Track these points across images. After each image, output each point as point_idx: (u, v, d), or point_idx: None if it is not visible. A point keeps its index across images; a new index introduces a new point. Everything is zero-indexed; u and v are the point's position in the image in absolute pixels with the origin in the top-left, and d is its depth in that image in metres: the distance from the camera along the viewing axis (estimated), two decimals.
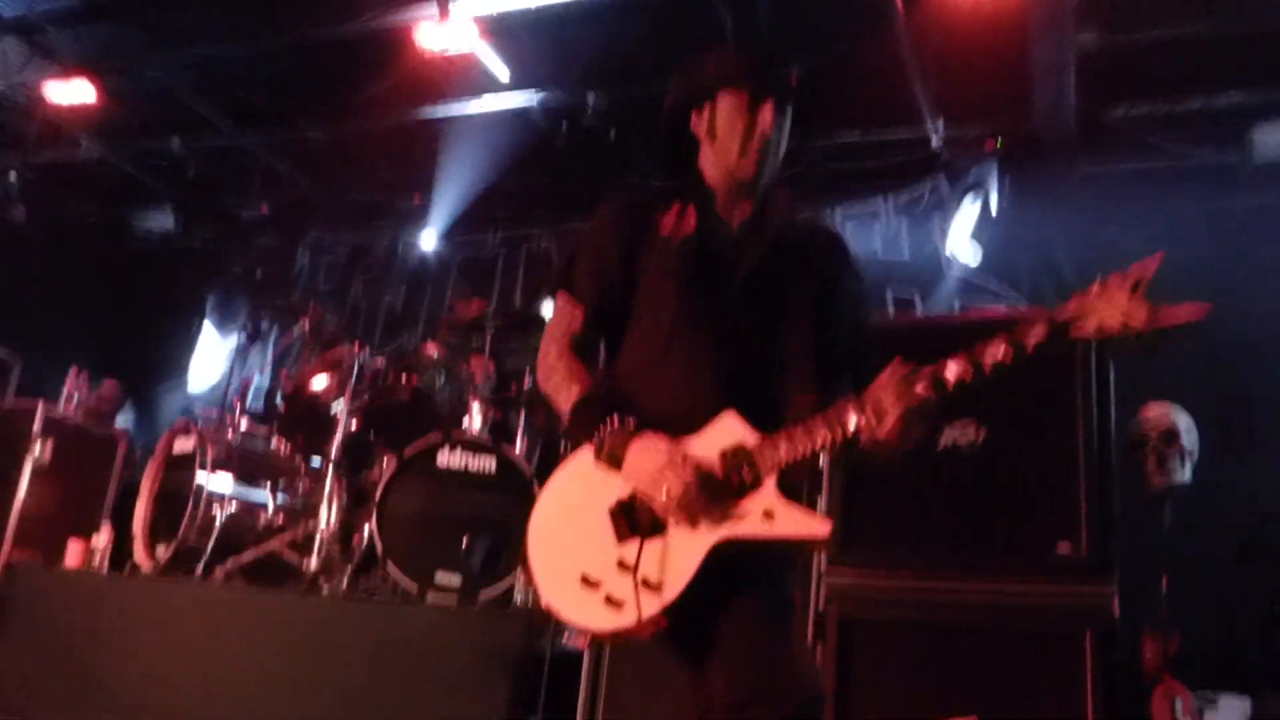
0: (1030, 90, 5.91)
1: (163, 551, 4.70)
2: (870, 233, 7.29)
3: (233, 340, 8.47)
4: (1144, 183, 6.57)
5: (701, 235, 2.19)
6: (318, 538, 4.66)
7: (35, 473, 5.10)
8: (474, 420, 4.93)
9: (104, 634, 4.21)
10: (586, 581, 1.96)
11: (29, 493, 5.04)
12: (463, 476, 4.41)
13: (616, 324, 2.24)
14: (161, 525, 4.88)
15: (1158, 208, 6.48)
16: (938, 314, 4.40)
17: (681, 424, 2.02)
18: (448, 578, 4.22)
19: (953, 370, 1.85)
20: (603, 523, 2.01)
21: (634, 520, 1.98)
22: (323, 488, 4.79)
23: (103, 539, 4.92)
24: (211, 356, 8.78)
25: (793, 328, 2.15)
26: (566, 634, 1.98)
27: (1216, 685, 4.08)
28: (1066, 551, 3.07)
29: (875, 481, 3.28)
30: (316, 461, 5.16)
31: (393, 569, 4.26)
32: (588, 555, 1.99)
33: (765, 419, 2.00)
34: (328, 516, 4.70)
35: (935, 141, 6.66)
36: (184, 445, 4.93)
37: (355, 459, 5.04)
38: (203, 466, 4.72)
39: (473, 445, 4.50)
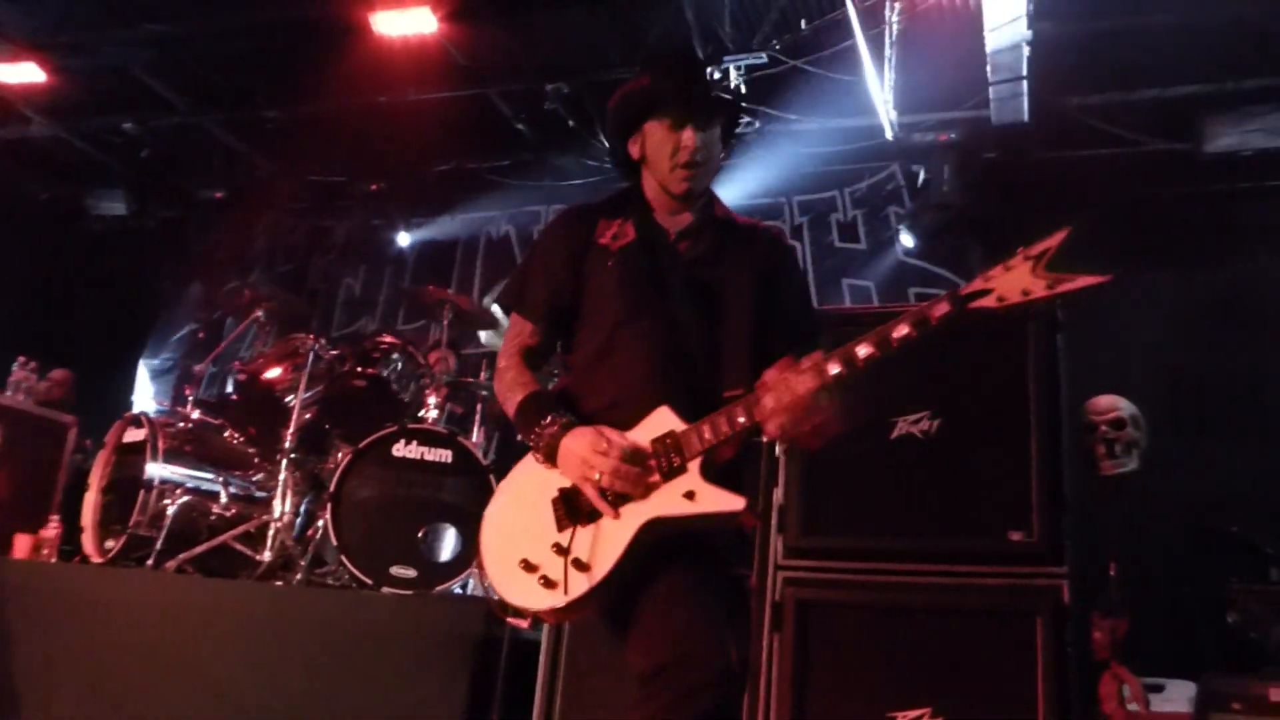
0: (984, 79, 5.96)
1: (113, 543, 4.63)
2: (827, 223, 7.33)
3: (186, 326, 8.35)
4: (1098, 170, 6.67)
5: (640, 242, 2.32)
6: (272, 529, 4.61)
7: None
8: (430, 411, 4.90)
9: (54, 625, 4.14)
10: (527, 565, 2.10)
11: None
12: (419, 466, 4.38)
13: (567, 332, 2.39)
14: (112, 516, 4.79)
15: (1111, 194, 6.58)
16: (895, 304, 4.45)
17: (622, 419, 2.15)
18: (403, 571, 4.20)
19: (863, 349, 1.96)
20: (546, 512, 2.15)
21: (572, 508, 2.12)
22: (276, 479, 4.73)
23: (51, 530, 4.84)
24: (164, 343, 8.65)
25: (730, 323, 2.26)
26: (508, 614, 2.13)
27: (1165, 668, 4.17)
28: (1019, 539, 3.11)
29: (832, 471, 3.31)
30: (269, 452, 5.09)
31: (347, 563, 4.23)
32: (529, 542, 2.13)
33: (698, 410, 2.11)
34: (281, 508, 4.65)
35: (890, 131, 6.69)
36: (135, 435, 4.85)
37: (311, 450, 4.98)
38: (154, 457, 4.65)
39: (429, 437, 4.47)
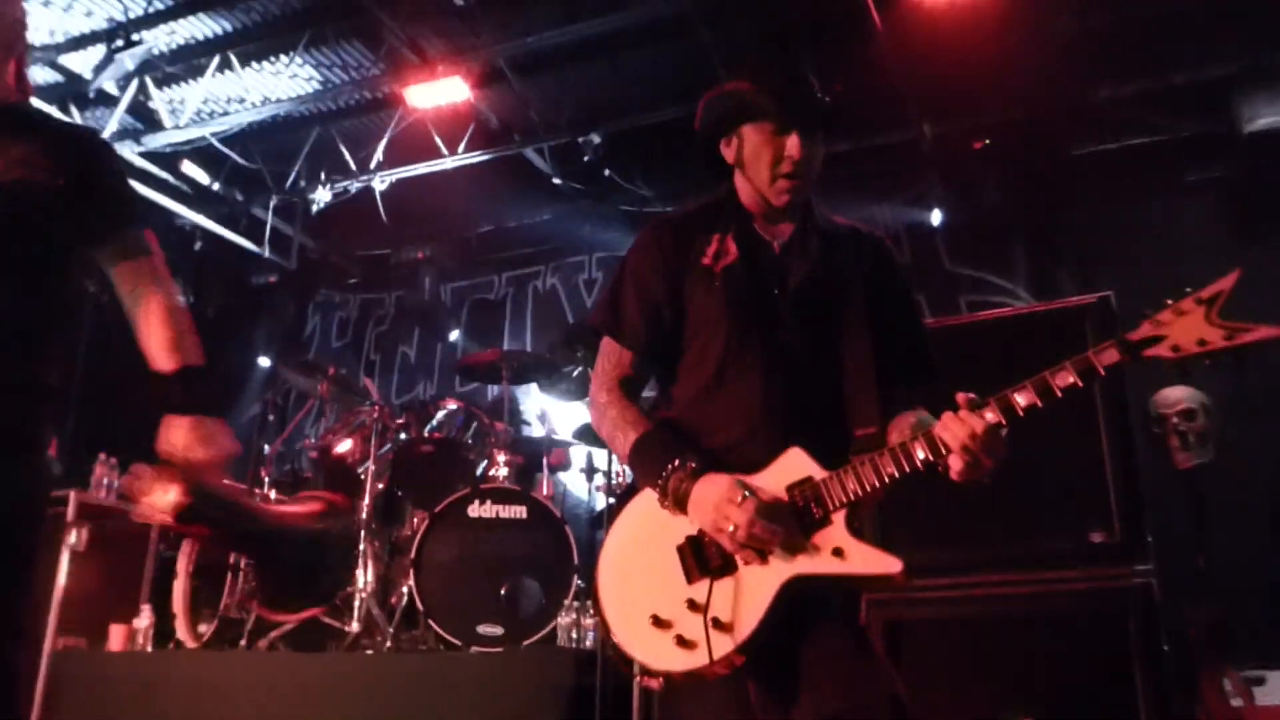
0: (1014, 81, 5.97)
1: (205, 627, 4.74)
2: None
3: (254, 409, 8.53)
4: (1137, 160, 6.62)
5: (745, 260, 2.14)
6: (357, 599, 4.68)
7: (72, 560, 5.14)
8: (499, 469, 4.97)
9: (155, 711, 4.23)
10: (658, 621, 1.96)
11: (69, 580, 5.08)
12: (495, 525, 4.44)
13: (666, 358, 2.20)
14: (201, 601, 4.91)
15: (1155, 183, 6.53)
16: (955, 317, 4.44)
17: (743, 456, 2.00)
18: (490, 629, 4.25)
19: (1024, 398, 1.83)
20: (671, 562, 2.00)
21: (702, 559, 1.98)
22: (357, 549, 4.82)
23: (144, 620, 4.96)
24: (233, 427, 8.83)
25: (848, 345, 2.10)
26: (638, 673, 1.96)
27: (1265, 660, 4.08)
28: (1101, 539, 3.09)
29: (903, 489, 3.30)
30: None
31: (435, 626, 4.28)
32: (657, 595, 1.98)
33: (828, 448, 1.97)
34: (365, 577, 4.73)
35: (925, 142, 6.71)
36: None
37: (385, 517, 5.06)
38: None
39: (502, 495, 4.53)
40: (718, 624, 1.89)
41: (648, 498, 2.08)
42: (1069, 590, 3.12)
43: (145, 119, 7.33)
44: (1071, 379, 1.80)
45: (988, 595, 3.20)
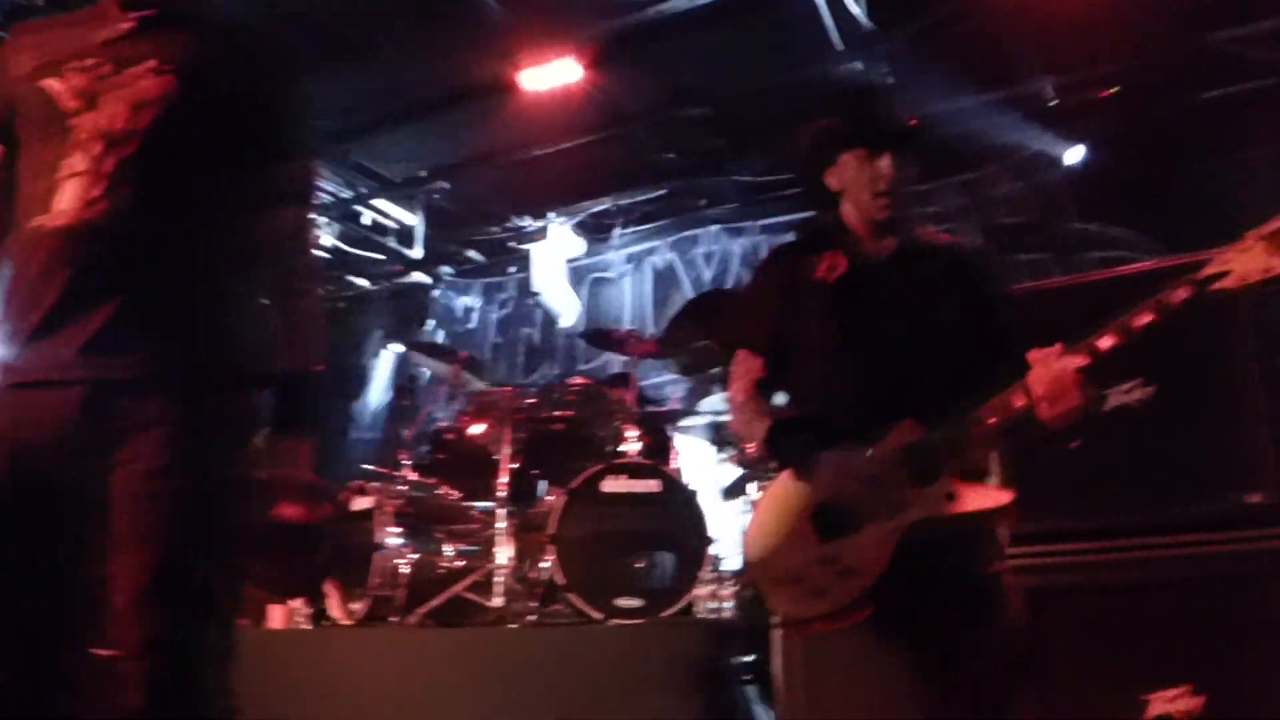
0: (1134, 28, 5.73)
1: (357, 606, 4.94)
2: (991, 203, 7.15)
3: (386, 397, 8.80)
4: (1266, 104, 6.28)
5: (853, 273, 2.48)
6: (498, 576, 4.82)
7: None
8: (630, 444, 5.04)
9: (317, 685, 4.44)
10: (794, 578, 2.30)
11: None
12: (629, 499, 4.52)
13: (789, 361, 2.56)
14: (350, 580, 5.12)
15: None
16: (1082, 275, 4.30)
17: (859, 437, 2.30)
18: (628, 601, 4.33)
19: (1106, 340, 2.06)
20: (805, 527, 2.32)
21: (830, 522, 2.28)
22: (495, 527, 4.96)
23: (300, 600, 5.20)
24: (370, 413, 9.13)
25: (941, 347, 2.39)
26: (779, 624, 2.67)
27: None
28: (1258, 500, 2.99)
29: (1046, 452, 3.24)
30: (484, 502, 5.33)
31: (574, 598, 4.39)
32: (795, 555, 2.32)
33: (931, 423, 2.25)
34: (503, 555, 4.86)
35: (1046, 96, 6.50)
36: (362, 502, 5.17)
37: (522, 496, 5.19)
38: (382, 522, 4.94)
39: (635, 469, 4.60)
40: (844, 575, 2.20)
41: (780, 481, 2.44)
42: (1223, 554, 3.01)
43: None
44: (1149, 317, 2.01)
45: (1136, 559, 3.12)
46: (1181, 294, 2.01)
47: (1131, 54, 6.14)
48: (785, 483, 2.40)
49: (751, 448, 2.78)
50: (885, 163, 2.40)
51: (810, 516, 2.31)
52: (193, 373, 1.94)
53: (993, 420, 2.16)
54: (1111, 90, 6.42)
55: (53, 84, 1.97)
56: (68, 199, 1.89)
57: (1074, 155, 6.81)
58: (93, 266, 1.89)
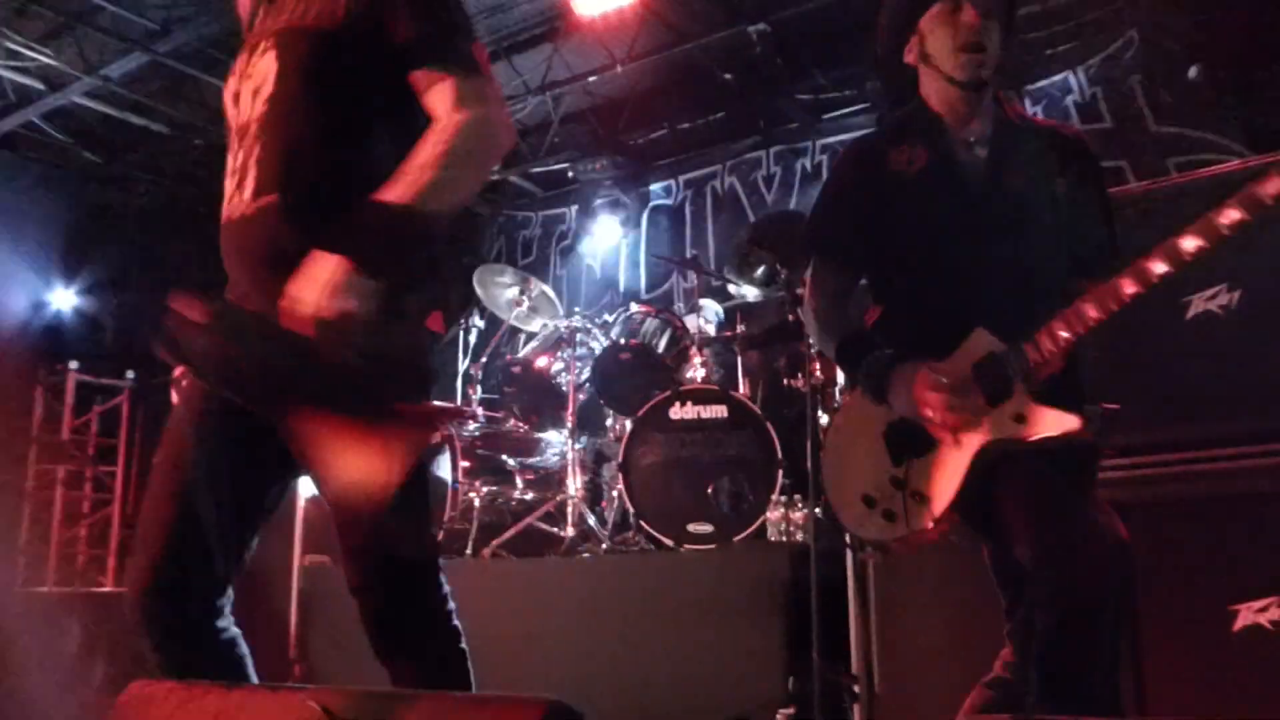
0: None
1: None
2: (1063, 107, 6.90)
3: (454, 331, 8.85)
4: None
5: (936, 161, 2.25)
6: (569, 506, 4.86)
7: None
8: (696, 371, 5.01)
9: None
10: (868, 500, 2.20)
11: (306, 502, 5.47)
12: (698, 426, 4.51)
13: (871, 265, 2.40)
14: None
15: None
16: (1163, 179, 4.12)
17: (938, 346, 2.14)
18: (700, 527, 4.34)
19: (1190, 242, 1.86)
20: (878, 447, 2.22)
21: (903, 442, 2.17)
22: (565, 458, 4.99)
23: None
24: (437, 350, 9.20)
25: (1037, 239, 2.18)
26: (854, 546, 2.59)
27: None
28: None
29: (1131, 362, 3.14)
30: (553, 435, 5.36)
31: (646, 527, 4.41)
32: (868, 477, 2.22)
33: (1016, 332, 2.06)
34: (575, 485, 4.90)
35: None
36: (433, 439, 5.23)
37: (591, 425, 5.21)
38: (454, 456, 5.01)
39: (702, 395, 4.58)
40: (916, 496, 2.11)
41: (855, 396, 2.32)
42: None
43: None
44: (1237, 214, 1.82)
45: (1221, 471, 3.00)
46: (1273, 186, 1.77)
47: None
48: (860, 401, 2.27)
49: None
50: (968, 13, 2.17)
51: (883, 436, 2.21)
52: None
53: (1065, 335, 1.98)
54: None
55: None
56: None
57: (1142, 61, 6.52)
58: None
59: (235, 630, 1.96)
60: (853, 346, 2.28)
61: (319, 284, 1.68)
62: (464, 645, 2.01)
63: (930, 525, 2.08)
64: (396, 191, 1.75)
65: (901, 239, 2.29)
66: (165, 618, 1.85)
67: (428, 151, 1.80)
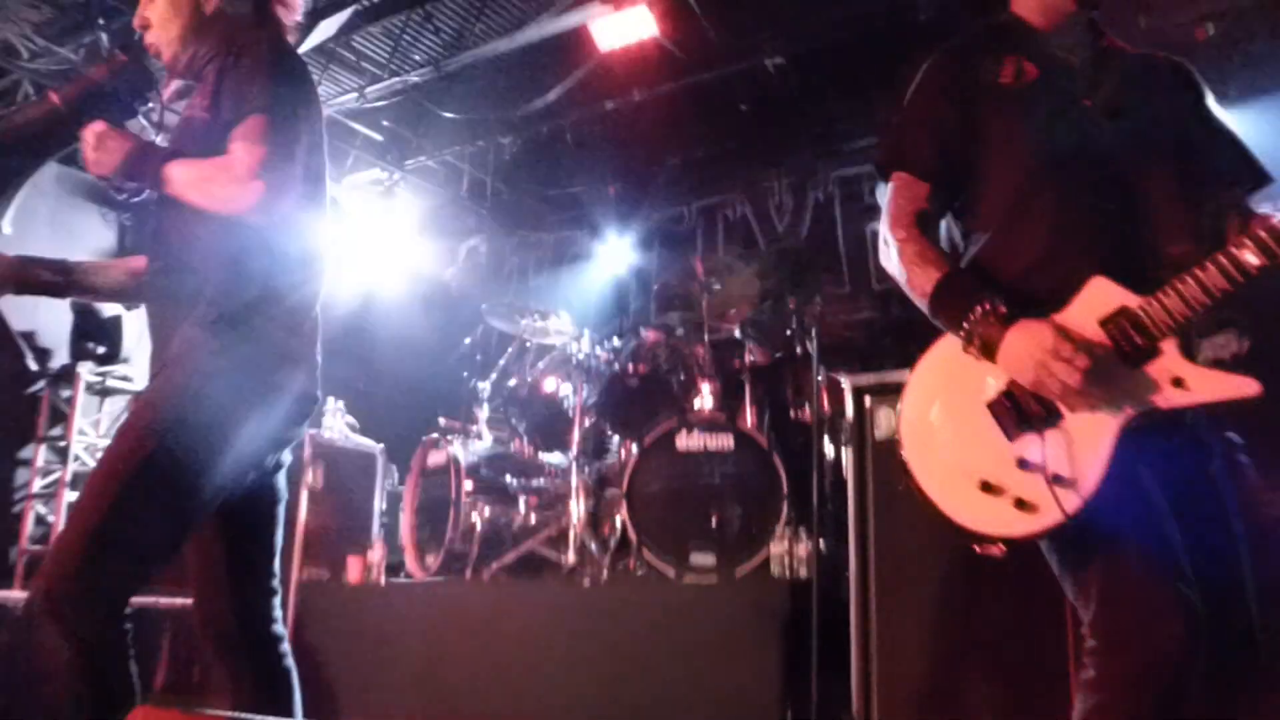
0: None
1: (432, 560, 5.01)
2: None
3: (460, 349, 8.84)
4: None
5: (1049, 76, 2.00)
6: (571, 531, 4.84)
7: (311, 497, 5.51)
8: (705, 400, 4.99)
9: (392, 637, 4.52)
10: (988, 487, 1.83)
11: (309, 515, 5.45)
12: (703, 455, 4.49)
13: (962, 191, 2.07)
14: (426, 534, 5.20)
15: None
16: None
17: (1045, 287, 1.86)
18: (702, 558, 4.31)
19: None
20: (985, 420, 1.88)
21: (1022, 413, 1.83)
22: (569, 482, 4.97)
23: (377, 554, 5.29)
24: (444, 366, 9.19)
25: (1159, 165, 1.93)
26: (975, 544, 1.82)
27: None
28: None
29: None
30: (558, 458, 5.35)
31: (648, 555, 4.38)
32: (980, 458, 1.86)
33: (1136, 271, 1.80)
34: (578, 510, 4.87)
35: (1139, 34, 6.19)
36: (437, 459, 5.22)
37: (596, 451, 5.19)
38: (457, 477, 4.99)
39: (709, 425, 4.56)
40: (1059, 480, 1.75)
41: (944, 350, 1.96)
42: None
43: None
44: None
45: None
46: None
47: None
48: (952, 356, 1.91)
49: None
50: None
51: (991, 404, 1.86)
52: None
53: (1222, 285, 1.67)
54: (1206, 30, 6.09)
55: None
56: None
57: None
58: None
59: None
60: (955, 291, 1.90)
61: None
62: None
63: (1081, 508, 1.73)
64: None
65: (1000, 162, 2.00)
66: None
67: None
